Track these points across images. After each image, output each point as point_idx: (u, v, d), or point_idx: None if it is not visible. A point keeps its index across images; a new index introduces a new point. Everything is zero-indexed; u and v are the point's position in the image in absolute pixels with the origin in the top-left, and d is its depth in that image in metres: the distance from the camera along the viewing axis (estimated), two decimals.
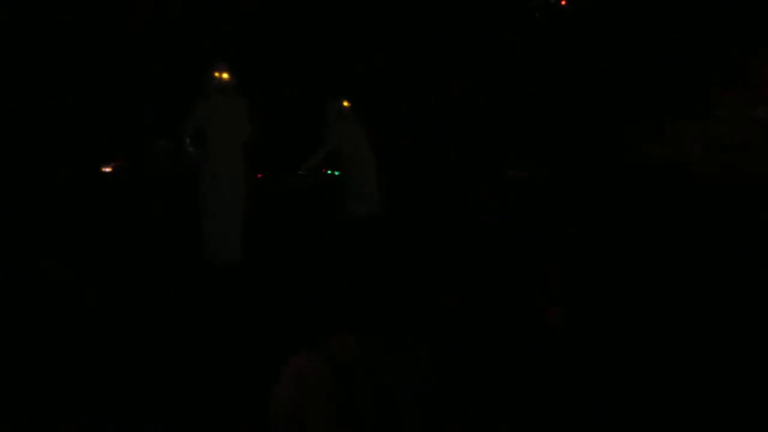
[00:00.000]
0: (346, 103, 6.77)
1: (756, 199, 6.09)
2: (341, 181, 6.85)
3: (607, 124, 7.39)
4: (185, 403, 2.52)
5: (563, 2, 5.62)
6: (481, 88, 7.64)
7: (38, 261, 4.98)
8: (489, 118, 7.69)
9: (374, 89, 7.45)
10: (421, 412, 1.97)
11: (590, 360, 2.58)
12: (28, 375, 2.79)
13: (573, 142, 7.57)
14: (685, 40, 6.80)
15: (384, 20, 7.10)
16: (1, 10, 4.74)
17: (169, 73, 6.22)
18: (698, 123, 7.06)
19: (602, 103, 7.37)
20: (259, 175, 7.80)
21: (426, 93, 7.65)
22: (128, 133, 6.54)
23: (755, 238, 4.96)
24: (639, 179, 7.12)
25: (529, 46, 6.91)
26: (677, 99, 7.04)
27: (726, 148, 6.82)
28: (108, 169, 6.36)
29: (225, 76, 5.54)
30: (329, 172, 7.32)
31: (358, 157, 6.73)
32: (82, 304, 4.05)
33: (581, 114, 7.49)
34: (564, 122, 7.60)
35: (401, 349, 2.08)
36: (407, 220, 7.02)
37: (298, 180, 7.36)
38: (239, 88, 5.71)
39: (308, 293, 4.74)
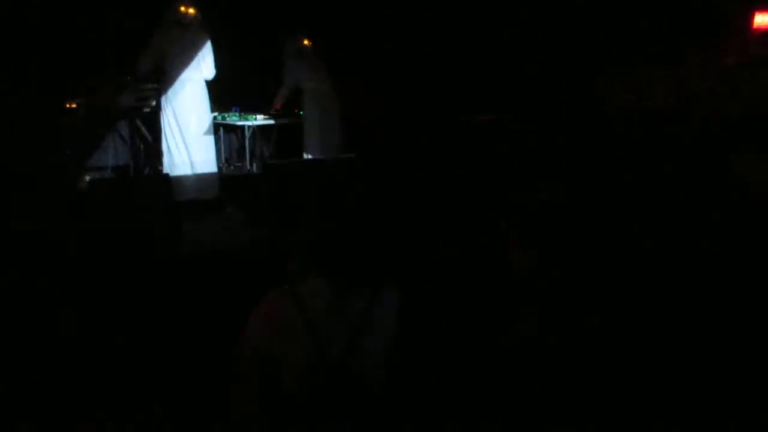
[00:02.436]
0: (306, 42, 6.65)
1: (724, 144, 6.17)
2: (303, 120, 6.80)
3: (579, 70, 7.36)
4: (157, 343, 2.57)
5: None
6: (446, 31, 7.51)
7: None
8: (456, 60, 7.59)
9: (335, 26, 7.28)
10: (390, 354, 1.99)
11: (562, 308, 2.64)
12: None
13: (543, 88, 7.54)
14: None
15: None
16: None
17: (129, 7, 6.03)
18: (669, 71, 7.09)
19: (574, 49, 7.32)
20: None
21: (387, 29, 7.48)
22: (88, 67, 6.36)
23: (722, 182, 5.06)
24: (610, 126, 7.16)
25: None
26: (649, 47, 7.02)
27: (697, 95, 6.88)
28: (73, 105, 6.20)
29: (191, 11, 5.40)
30: (301, 113, 7.23)
31: (317, 95, 6.66)
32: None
33: (553, 60, 7.44)
34: (535, 68, 7.55)
35: (371, 292, 2.09)
36: (371, 164, 6.99)
37: (271, 119, 7.27)
38: (205, 25, 5.58)
39: (281, 233, 4.75)
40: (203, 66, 5.65)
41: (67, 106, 6.10)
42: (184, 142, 5.54)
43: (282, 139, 7.75)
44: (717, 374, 2.13)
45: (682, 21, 6.78)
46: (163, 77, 5.58)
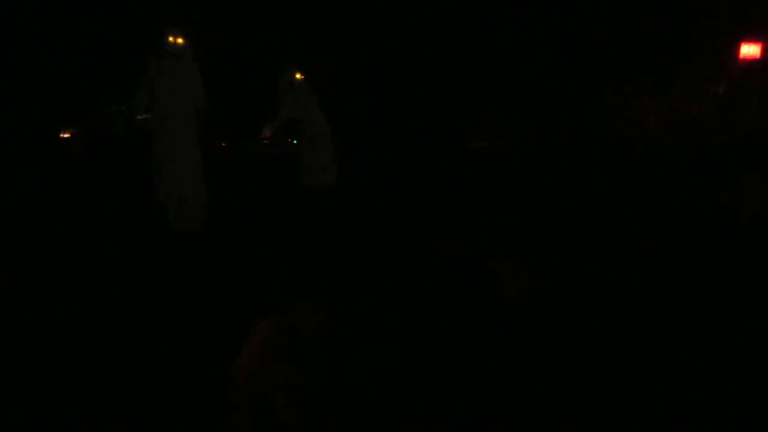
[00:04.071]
0: (298, 74, 6.72)
1: (711, 167, 6.26)
2: (297, 150, 6.82)
3: (572, 98, 7.47)
4: (147, 374, 2.52)
5: None
6: (445, 61, 7.64)
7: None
8: (454, 90, 7.71)
9: (330, 59, 7.39)
10: (380, 382, 1.99)
11: (551, 325, 2.63)
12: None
13: (538, 115, 7.65)
14: (646, 20, 6.94)
15: None
16: None
17: (124, 38, 6.09)
18: (658, 98, 7.21)
19: (567, 78, 7.45)
20: (223, 144, 7.72)
21: (386, 63, 7.62)
22: (82, 98, 6.39)
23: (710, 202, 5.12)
24: (601, 149, 7.24)
25: (494, 22, 6.94)
26: (639, 75, 7.17)
27: (684, 121, 6.99)
28: (66, 135, 6.22)
29: (180, 40, 5.44)
30: (294, 141, 7.27)
31: (310, 127, 6.70)
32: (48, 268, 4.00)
33: (547, 88, 7.56)
34: (530, 96, 7.67)
35: (364, 317, 2.06)
36: (364, 190, 7.02)
37: (263, 147, 7.31)
38: (195, 54, 5.61)
39: (272, 260, 4.73)
40: (195, 96, 5.65)
41: (61, 135, 6.13)
42: (174, 172, 5.51)
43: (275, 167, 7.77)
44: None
45: (671, 51, 6.94)
46: (155, 107, 5.58)
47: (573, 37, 7.33)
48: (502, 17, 6.91)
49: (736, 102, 6.68)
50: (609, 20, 7.17)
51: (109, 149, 6.27)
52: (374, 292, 2.12)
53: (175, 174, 5.45)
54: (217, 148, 6.80)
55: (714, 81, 6.97)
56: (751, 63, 6.83)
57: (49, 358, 2.68)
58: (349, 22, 7.28)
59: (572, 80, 7.47)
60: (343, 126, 7.04)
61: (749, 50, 6.80)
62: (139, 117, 5.82)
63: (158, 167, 5.46)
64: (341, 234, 5.00)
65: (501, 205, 5.50)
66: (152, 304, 3.44)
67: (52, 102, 6.31)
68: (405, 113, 7.76)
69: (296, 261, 4.23)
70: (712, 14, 6.75)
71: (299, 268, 3.99)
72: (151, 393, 2.39)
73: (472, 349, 2.30)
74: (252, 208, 6.33)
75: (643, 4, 6.97)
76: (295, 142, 7.17)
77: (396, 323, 2.17)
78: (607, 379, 2.18)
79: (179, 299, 3.59)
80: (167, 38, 5.41)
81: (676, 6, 6.77)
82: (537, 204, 5.42)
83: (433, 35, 7.50)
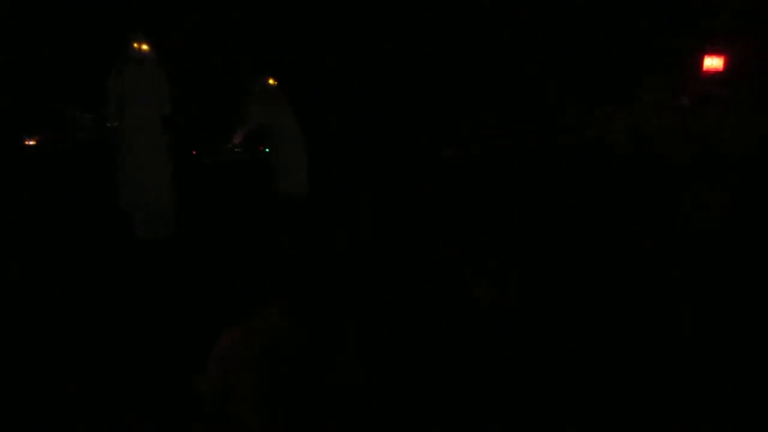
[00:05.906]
0: (271, 81, 6.70)
1: (675, 175, 6.40)
2: (269, 158, 6.79)
3: (545, 107, 7.59)
4: (115, 386, 2.48)
5: None
6: (419, 68, 7.68)
7: None
8: (425, 99, 7.75)
9: (302, 66, 7.37)
10: (347, 389, 1.98)
11: (516, 334, 2.64)
12: None
13: (509, 124, 7.73)
14: (614, 33, 7.10)
15: None
16: None
17: (89, 43, 6.00)
18: (625, 109, 7.40)
19: (538, 88, 7.55)
20: (194, 152, 7.64)
21: (358, 70, 7.61)
22: (48, 105, 6.27)
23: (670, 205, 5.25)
24: (571, 159, 7.37)
25: (470, 31, 7.02)
26: (607, 87, 7.32)
27: (649, 131, 7.20)
28: (32, 142, 6.09)
29: (144, 47, 5.38)
30: (266, 150, 7.23)
31: (282, 134, 6.68)
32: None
33: (519, 97, 7.66)
34: (502, 105, 7.75)
35: (328, 325, 2.06)
36: (336, 199, 7.01)
37: (233, 155, 7.25)
38: (159, 60, 5.55)
39: (240, 269, 4.70)
40: (160, 103, 5.59)
41: (26, 143, 6.00)
42: (140, 180, 5.44)
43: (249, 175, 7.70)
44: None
45: (636, 62, 7.12)
46: (121, 114, 5.52)
47: (540, 46, 7.43)
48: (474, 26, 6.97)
49: (699, 113, 6.89)
50: (574, 31, 7.30)
51: (77, 156, 6.16)
52: (349, 298, 2.11)
53: (142, 182, 5.38)
54: (186, 156, 6.72)
55: (677, 93, 7.17)
56: (714, 75, 7.05)
57: (17, 368, 2.62)
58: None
59: (545, 89, 7.57)
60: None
61: (712, 63, 7.03)
62: (110, 125, 5.74)
63: (124, 174, 5.38)
64: (313, 241, 4.99)
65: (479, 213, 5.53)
66: (119, 312, 3.39)
67: (14, 108, 6.18)
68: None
69: (267, 268, 4.21)
70: (676, 27, 6.94)
71: (270, 275, 3.97)
72: (118, 402, 2.35)
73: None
74: (223, 216, 6.27)
75: (608, 15, 7.12)
76: (266, 150, 7.13)
77: (374, 328, 2.17)
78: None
79: (147, 307, 3.54)
80: (131, 44, 5.35)
81: (640, 18, 6.94)
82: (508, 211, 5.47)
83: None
